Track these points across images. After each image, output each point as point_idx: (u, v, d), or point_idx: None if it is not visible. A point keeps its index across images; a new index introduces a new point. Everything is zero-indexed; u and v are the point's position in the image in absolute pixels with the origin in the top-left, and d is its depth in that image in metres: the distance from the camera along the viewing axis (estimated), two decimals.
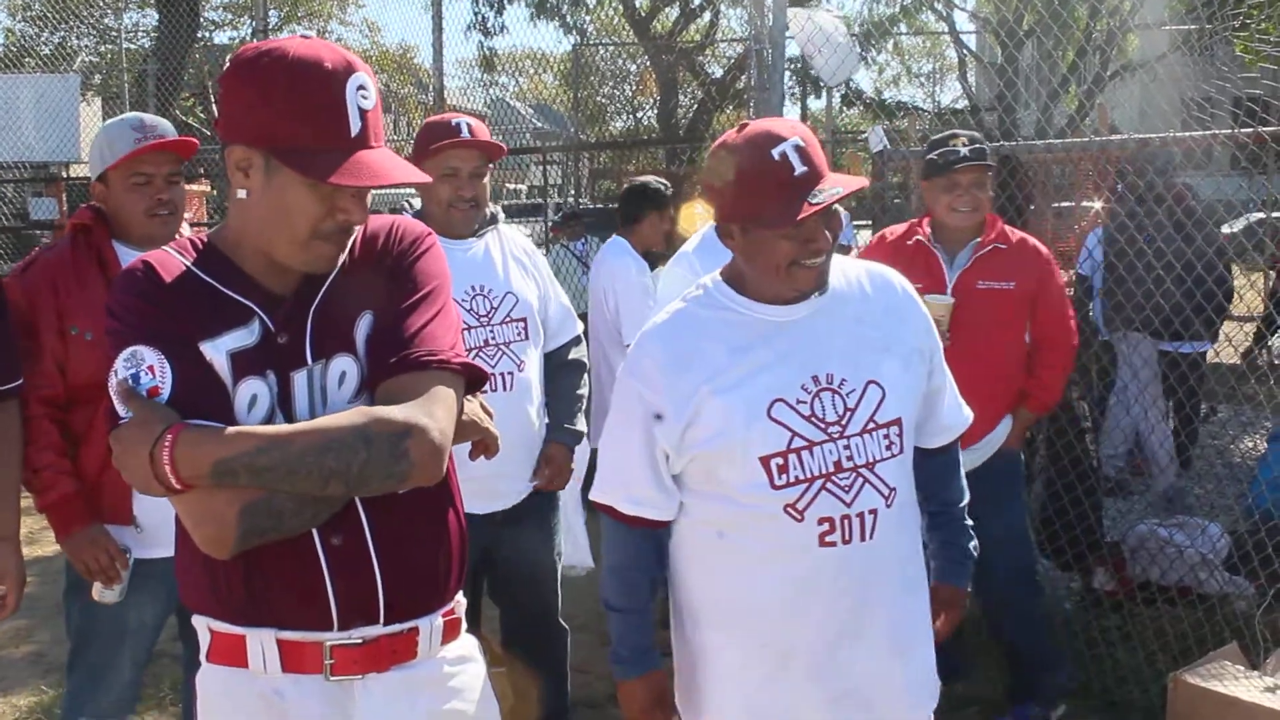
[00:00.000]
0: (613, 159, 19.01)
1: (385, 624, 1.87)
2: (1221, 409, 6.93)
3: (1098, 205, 7.75)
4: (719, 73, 16.48)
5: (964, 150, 3.79)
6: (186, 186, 3.24)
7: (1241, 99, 5.53)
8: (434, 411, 1.75)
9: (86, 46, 24.61)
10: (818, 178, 2.04)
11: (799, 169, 2.04)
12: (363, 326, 1.86)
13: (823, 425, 2.14)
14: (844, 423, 2.15)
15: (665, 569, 2.29)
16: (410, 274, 1.91)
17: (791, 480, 2.12)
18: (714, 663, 2.25)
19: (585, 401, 3.66)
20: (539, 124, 26.55)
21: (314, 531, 1.80)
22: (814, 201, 2.01)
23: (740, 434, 2.12)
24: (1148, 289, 5.51)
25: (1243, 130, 4.53)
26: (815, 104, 16.00)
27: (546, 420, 3.51)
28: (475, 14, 16.52)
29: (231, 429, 1.72)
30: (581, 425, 3.63)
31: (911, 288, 2.35)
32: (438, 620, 1.96)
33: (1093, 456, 5.23)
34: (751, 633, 2.21)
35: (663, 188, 5.47)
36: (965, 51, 15.90)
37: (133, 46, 22.50)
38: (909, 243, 3.94)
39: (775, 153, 2.04)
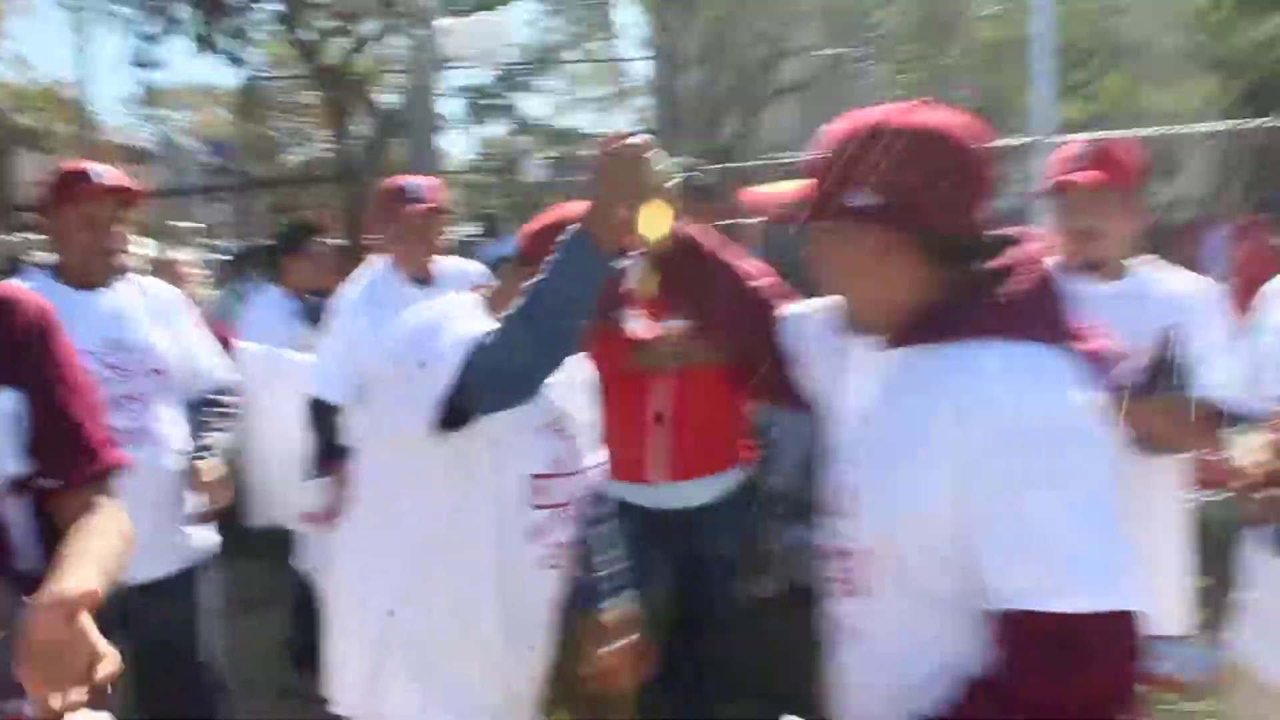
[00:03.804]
0: (286, 195, 18.57)
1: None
2: None
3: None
4: (395, 103, 16.32)
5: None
6: None
7: None
8: None
9: None
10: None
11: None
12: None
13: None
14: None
15: None
16: (56, 361, 1.88)
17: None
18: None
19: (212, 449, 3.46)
20: (210, 160, 25.66)
21: None
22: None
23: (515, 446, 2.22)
24: None
25: None
26: (492, 131, 16.10)
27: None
28: (134, 48, 15.81)
29: None
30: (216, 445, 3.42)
31: None
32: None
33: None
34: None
35: (302, 226, 5.35)
36: (630, 78, 16.44)
37: None
38: None
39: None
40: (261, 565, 5.88)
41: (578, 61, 18.64)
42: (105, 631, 2.86)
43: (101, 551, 1.74)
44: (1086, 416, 1.48)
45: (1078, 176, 2.86)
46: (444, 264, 4.03)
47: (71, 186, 3.19)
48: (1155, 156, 6.42)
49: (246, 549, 3.84)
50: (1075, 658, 1.38)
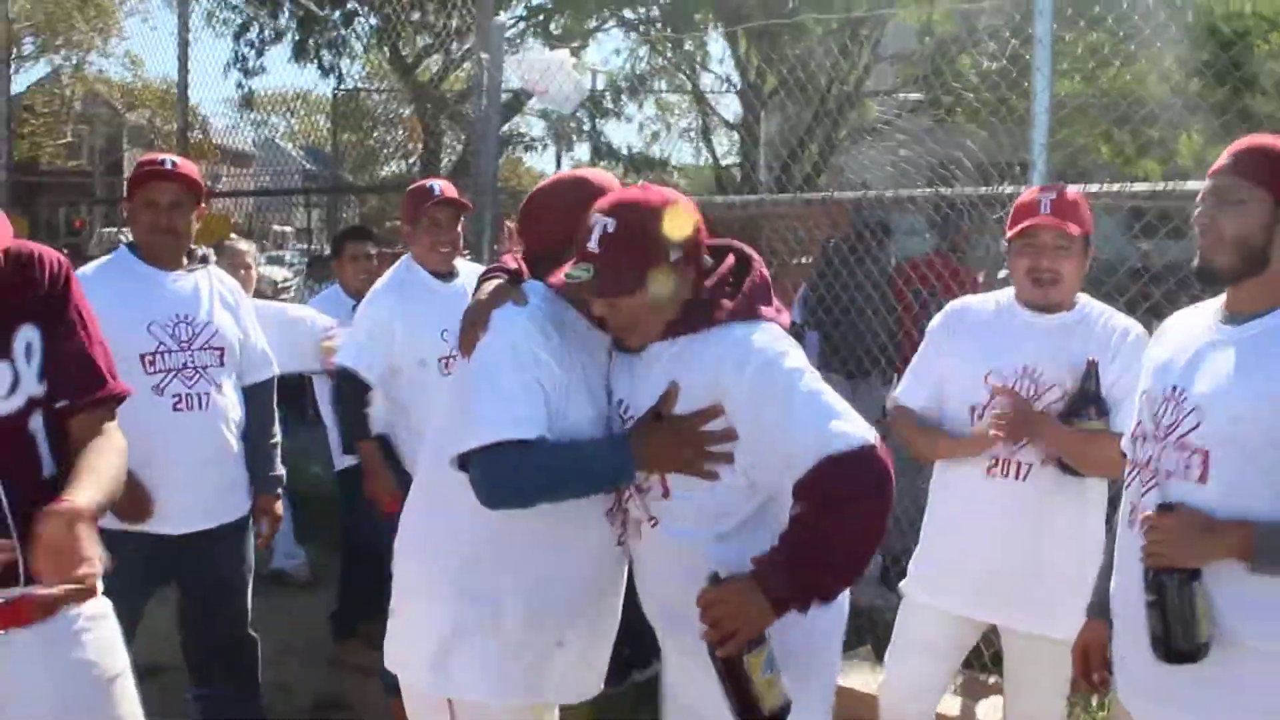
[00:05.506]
0: (380, 203, 19.00)
1: (26, 585, 2.07)
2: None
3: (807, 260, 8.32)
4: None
5: None
6: None
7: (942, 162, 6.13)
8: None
9: None
10: (589, 256, 2.31)
11: (589, 243, 2.31)
12: (23, 337, 2.15)
13: None
14: None
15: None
16: (73, 305, 2.24)
17: None
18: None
19: (279, 447, 3.95)
20: (309, 166, 26.21)
21: None
22: (564, 276, 2.32)
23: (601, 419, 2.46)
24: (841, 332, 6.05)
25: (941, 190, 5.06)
26: (576, 157, 16.47)
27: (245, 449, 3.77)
28: (235, 53, 16.45)
29: None
30: (280, 470, 3.91)
31: None
32: None
33: None
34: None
35: (345, 233, 5.84)
36: (710, 112, 16.57)
37: None
38: None
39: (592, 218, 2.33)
40: (307, 550, 6.30)
41: (660, 93, 18.93)
42: (162, 573, 3.34)
43: (107, 471, 2.12)
44: (795, 346, 2.35)
45: (1037, 220, 3.07)
46: (466, 264, 4.43)
47: (140, 172, 3.62)
48: None
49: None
50: (877, 466, 2.21)
